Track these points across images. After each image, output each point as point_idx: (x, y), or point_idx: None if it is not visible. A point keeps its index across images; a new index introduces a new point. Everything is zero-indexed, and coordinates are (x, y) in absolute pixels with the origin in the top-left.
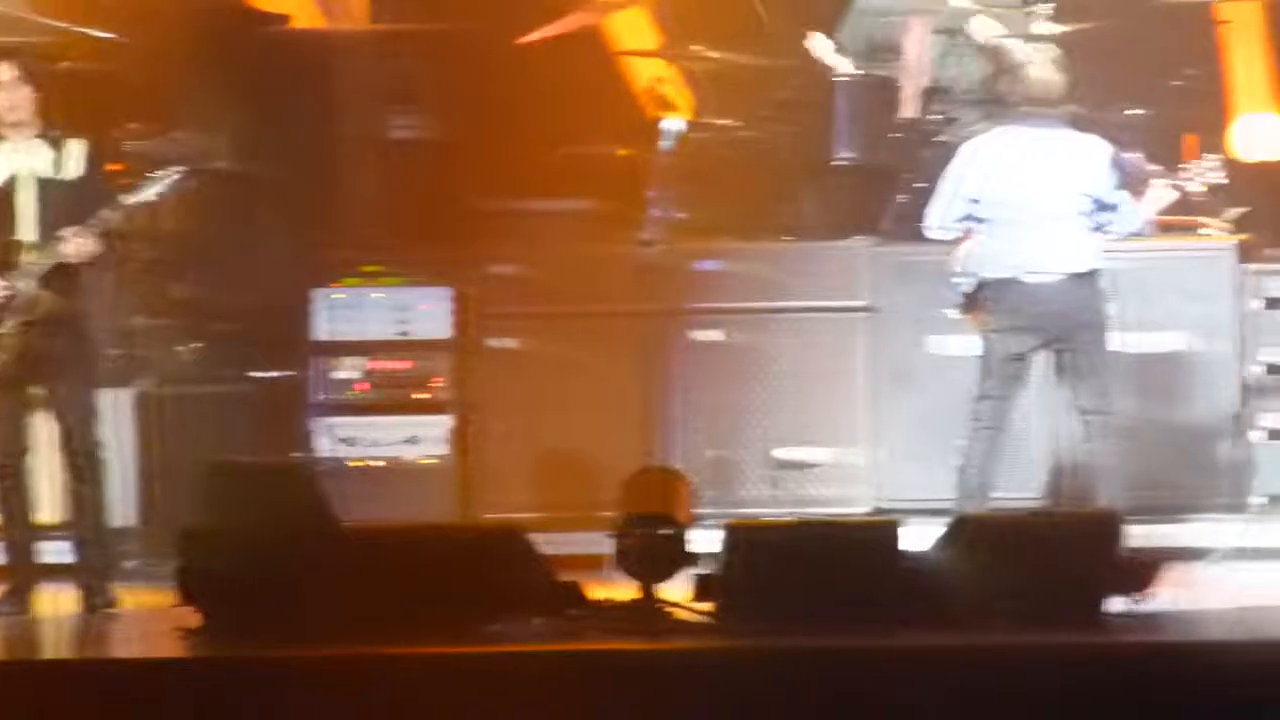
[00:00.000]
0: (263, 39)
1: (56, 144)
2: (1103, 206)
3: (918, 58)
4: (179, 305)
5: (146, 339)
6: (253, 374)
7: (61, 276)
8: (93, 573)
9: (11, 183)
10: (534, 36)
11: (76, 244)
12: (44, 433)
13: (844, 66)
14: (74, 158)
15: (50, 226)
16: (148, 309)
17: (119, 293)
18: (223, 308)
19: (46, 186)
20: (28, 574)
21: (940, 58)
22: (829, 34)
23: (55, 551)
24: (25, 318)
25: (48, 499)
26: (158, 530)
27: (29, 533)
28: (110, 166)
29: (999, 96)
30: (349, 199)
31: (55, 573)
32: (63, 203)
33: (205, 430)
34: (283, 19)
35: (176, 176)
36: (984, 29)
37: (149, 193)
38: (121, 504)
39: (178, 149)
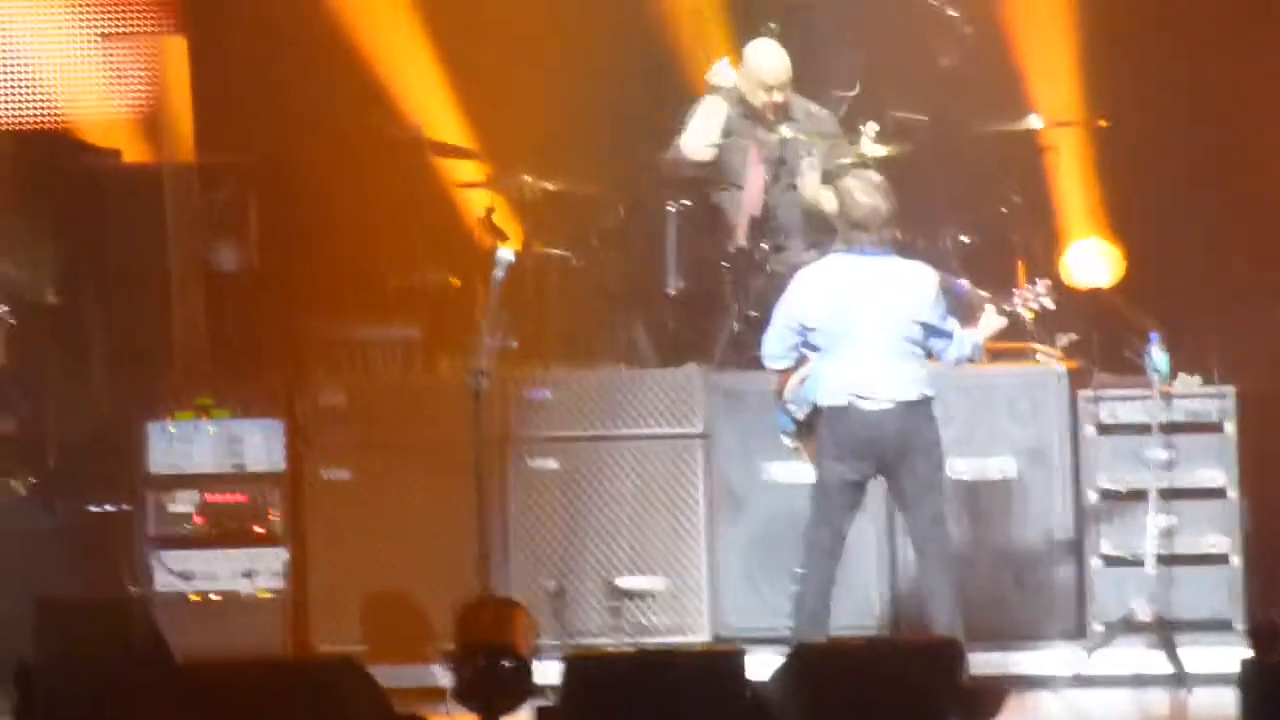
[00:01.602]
0: (90, 171)
1: None
2: (933, 333)
3: (750, 186)
4: (11, 439)
5: None
6: (87, 507)
7: None
8: None
9: None
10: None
11: None
12: None
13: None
14: None
15: None
16: None
17: None
18: (55, 440)
19: None
20: None
21: (768, 186)
22: (657, 159)
23: None
24: None
25: None
26: None
27: None
28: None
29: (828, 227)
30: (178, 331)
31: None
32: None
33: (39, 565)
34: (113, 152)
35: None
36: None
37: None
38: None
39: (3, 282)
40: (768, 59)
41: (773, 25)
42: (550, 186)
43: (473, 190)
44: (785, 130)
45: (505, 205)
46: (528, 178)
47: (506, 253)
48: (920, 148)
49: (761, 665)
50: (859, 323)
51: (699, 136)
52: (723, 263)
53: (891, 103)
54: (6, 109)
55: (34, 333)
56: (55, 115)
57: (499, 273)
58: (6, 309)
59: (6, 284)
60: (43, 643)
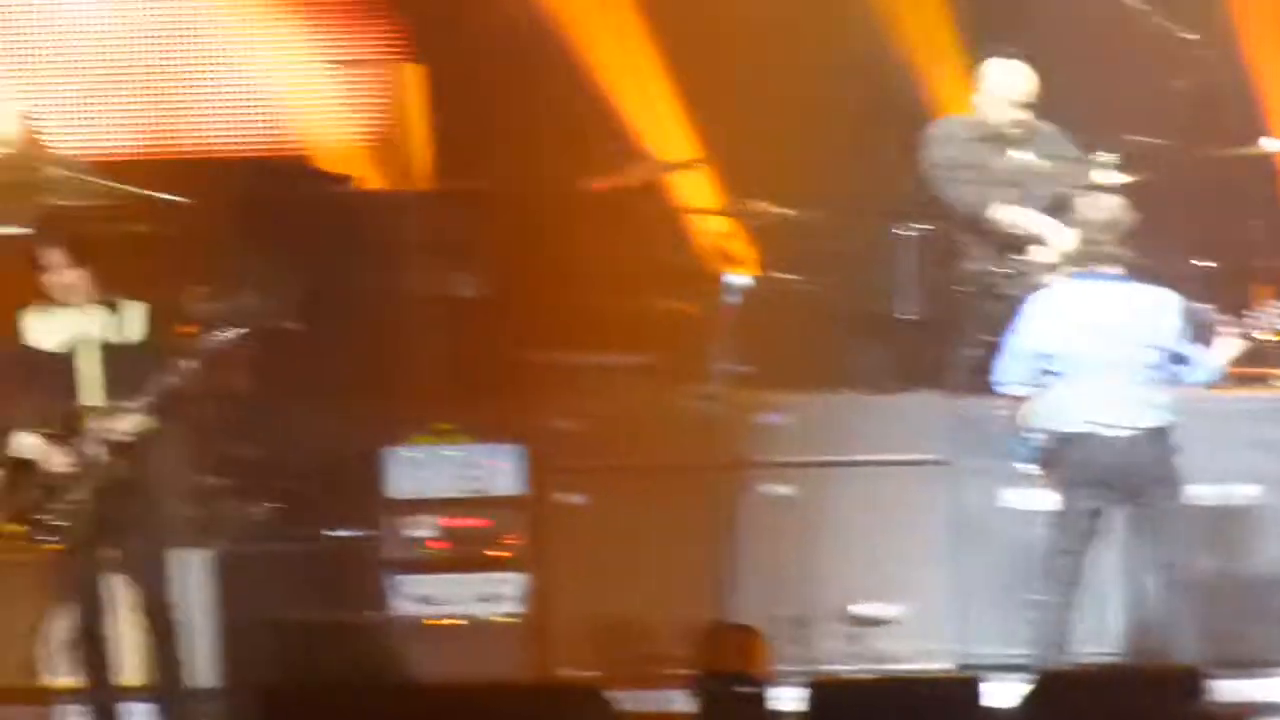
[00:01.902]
0: (326, 199)
1: (114, 308)
2: (1174, 358)
3: (983, 211)
4: (252, 465)
5: (219, 499)
6: (326, 532)
7: (129, 440)
8: None
9: (73, 348)
10: (596, 186)
11: (131, 420)
12: (123, 595)
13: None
14: (133, 320)
15: (114, 391)
16: (220, 469)
17: (191, 453)
18: (295, 466)
19: (107, 351)
20: None
21: (1004, 210)
22: (894, 188)
23: (139, 713)
24: (95, 484)
25: (130, 661)
26: (232, 691)
27: (111, 695)
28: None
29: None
30: (417, 356)
31: None
32: (124, 366)
33: (279, 590)
34: (345, 179)
35: (231, 334)
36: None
37: (206, 350)
38: (200, 664)
39: (243, 310)
40: (1011, 76)
41: (1010, 50)
42: (785, 211)
43: (707, 216)
44: (1022, 152)
45: (740, 231)
46: (762, 203)
47: (741, 278)
48: (1156, 172)
49: (1001, 692)
50: (1098, 348)
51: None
52: (958, 287)
53: (1126, 127)
54: (246, 137)
55: (274, 359)
56: (294, 143)
57: (733, 298)
58: (245, 334)
59: (247, 311)
60: (284, 666)
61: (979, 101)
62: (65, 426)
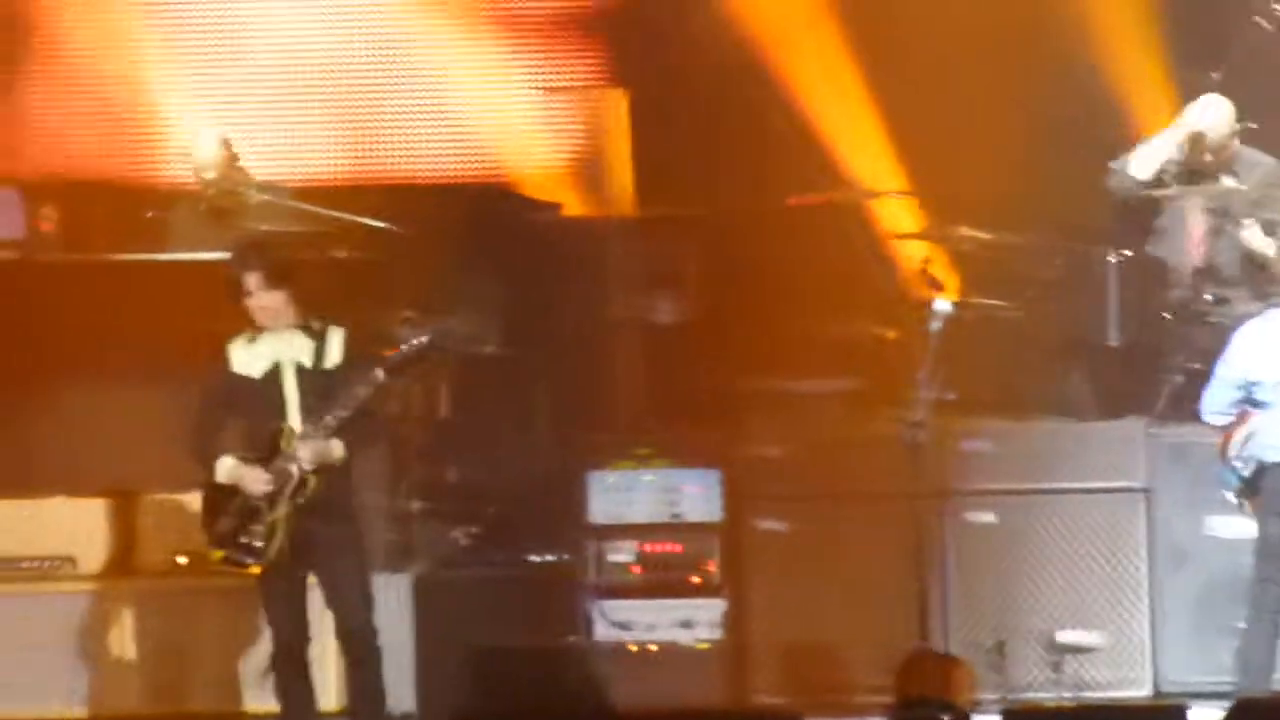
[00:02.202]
0: (534, 226)
1: (316, 334)
2: None
3: (1191, 236)
4: (453, 488)
5: (421, 523)
6: (527, 557)
7: (326, 463)
8: None
9: (275, 372)
10: (794, 201)
11: (329, 444)
12: (323, 620)
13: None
14: (335, 345)
15: (315, 414)
16: (423, 493)
17: (394, 477)
18: (496, 491)
19: (306, 375)
20: None
21: (1210, 237)
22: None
23: None
24: (296, 501)
25: (331, 687)
26: (434, 715)
27: None
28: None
29: (1272, 278)
30: (617, 381)
31: None
32: (325, 390)
33: (480, 614)
34: (554, 206)
35: (419, 343)
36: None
37: (409, 373)
38: (397, 689)
39: (449, 335)
40: (1207, 117)
41: (1215, 75)
42: (987, 237)
43: (910, 241)
44: (1227, 180)
45: (942, 256)
46: (965, 228)
47: (944, 304)
48: None
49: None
50: None
51: (1145, 159)
52: (1164, 314)
53: None
54: (451, 163)
55: (476, 384)
56: (498, 169)
57: (936, 324)
58: (423, 342)
59: (451, 336)
60: (482, 691)
61: (1183, 135)
62: (266, 449)
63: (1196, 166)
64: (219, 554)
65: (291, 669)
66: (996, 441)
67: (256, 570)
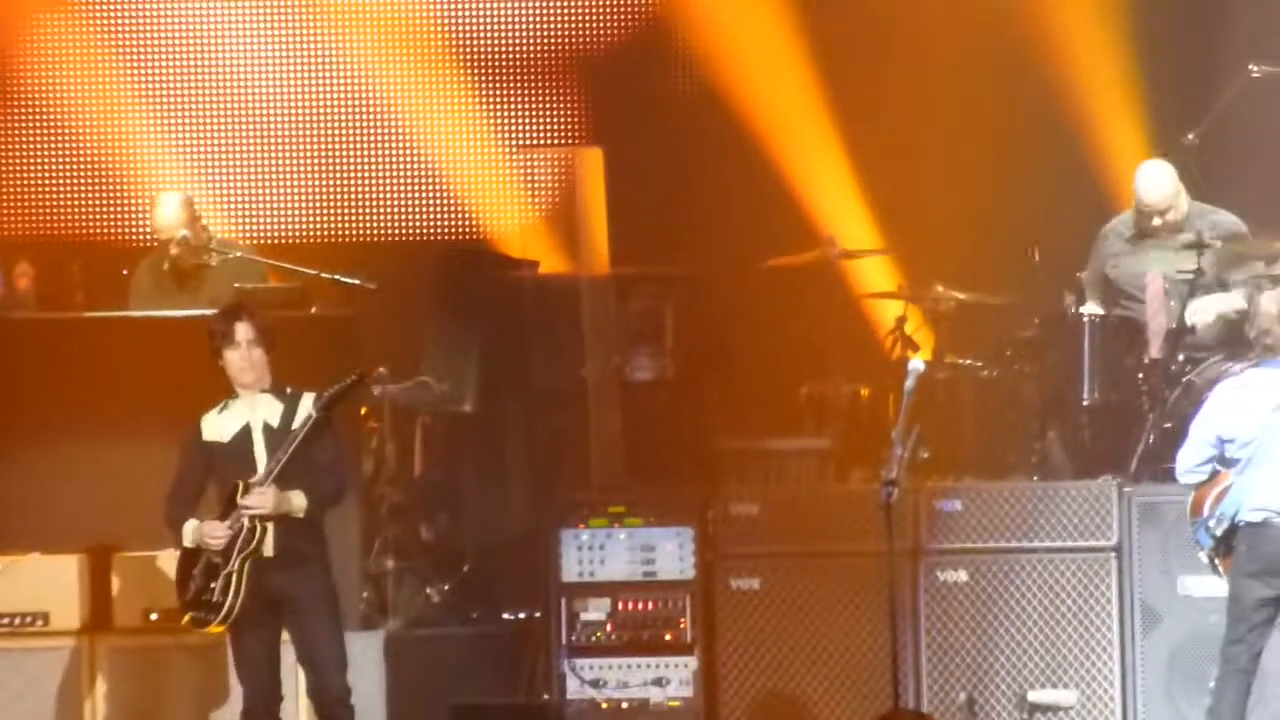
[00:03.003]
0: (510, 283)
1: (288, 398)
2: None
3: (1151, 301)
4: (427, 546)
5: (396, 581)
6: (500, 615)
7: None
8: None
9: (245, 433)
10: (772, 262)
11: (260, 497)
12: (296, 677)
13: (1088, 308)
14: (304, 409)
15: (282, 475)
16: (397, 551)
17: (368, 534)
18: (469, 548)
19: (272, 434)
20: None
21: (1173, 299)
22: (1073, 275)
23: None
24: (247, 552)
25: None
26: None
27: None
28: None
29: (1244, 338)
30: (593, 439)
31: None
32: (294, 453)
33: (453, 672)
34: (533, 264)
35: (349, 380)
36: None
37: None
38: None
39: (425, 393)
40: (1146, 185)
41: (1191, 137)
42: (962, 296)
43: (884, 300)
44: (1184, 238)
45: (917, 315)
46: (940, 288)
47: (918, 363)
48: None
49: None
50: (1278, 437)
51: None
52: (1138, 374)
53: None
54: (426, 221)
55: (452, 442)
56: (474, 227)
57: (910, 383)
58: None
59: (427, 394)
60: None
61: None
62: (225, 504)
63: (1149, 233)
64: (187, 617)
65: None
66: (970, 500)
67: (219, 629)
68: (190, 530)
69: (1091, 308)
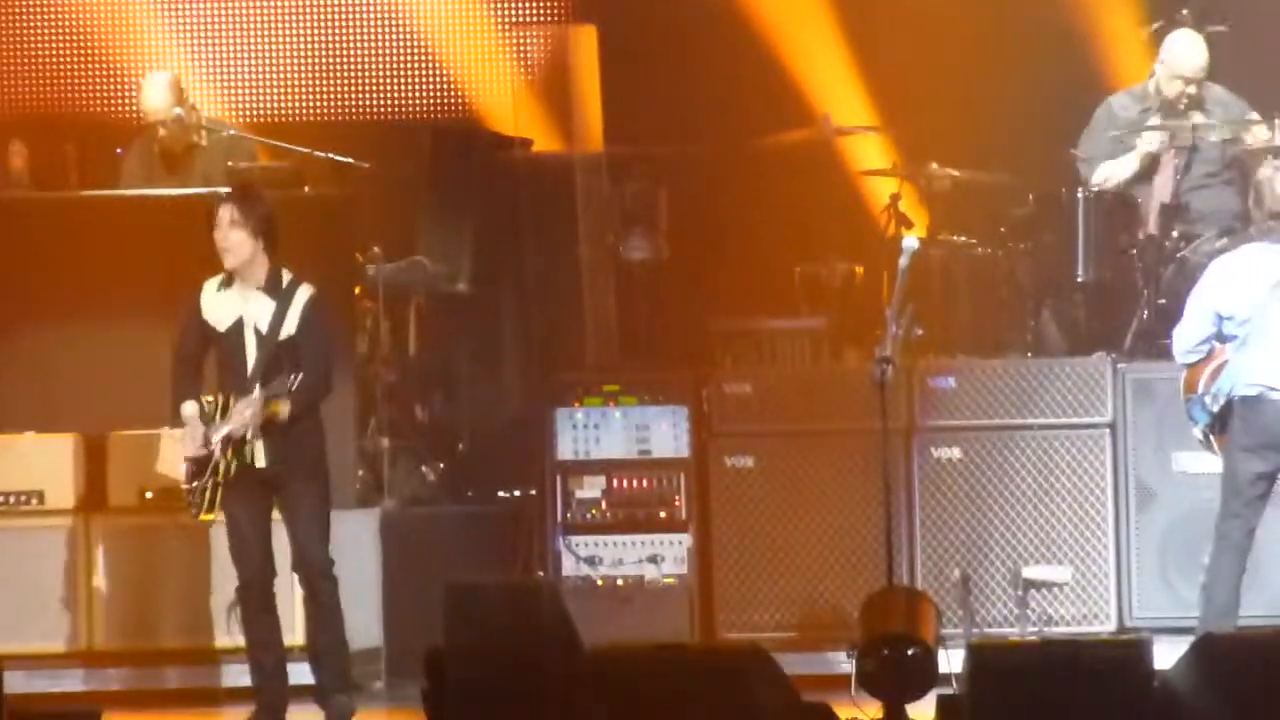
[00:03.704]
0: (502, 161)
1: (282, 294)
2: None
3: (1161, 174)
4: (422, 425)
5: (391, 460)
6: (495, 493)
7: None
8: (330, 690)
9: (239, 329)
10: (766, 140)
11: (240, 419)
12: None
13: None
14: (295, 312)
15: (266, 377)
16: (392, 431)
17: (362, 414)
18: (465, 428)
19: (262, 340)
20: (275, 695)
21: (1180, 174)
22: (1071, 149)
23: (304, 673)
24: (233, 456)
25: (298, 622)
26: (402, 651)
27: (275, 655)
28: (357, 291)
29: (1242, 213)
30: (588, 318)
31: (305, 694)
32: (273, 361)
33: (448, 550)
34: (526, 142)
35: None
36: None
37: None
38: (365, 625)
39: (419, 272)
40: (1186, 52)
41: (1185, 12)
42: (957, 174)
43: (879, 178)
44: (1197, 117)
45: (911, 193)
46: (935, 165)
47: (912, 240)
48: None
49: (1169, 656)
50: (1275, 313)
51: (1116, 173)
52: (1132, 250)
53: None
54: (418, 98)
55: (446, 322)
56: (467, 105)
57: (904, 261)
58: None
59: (421, 274)
60: (453, 627)
61: (1157, 71)
62: (225, 398)
63: (1165, 105)
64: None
65: (255, 603)
66: (963, 377)
67: (208, 517)
68: (189, 415)
69: (1085, 185)
